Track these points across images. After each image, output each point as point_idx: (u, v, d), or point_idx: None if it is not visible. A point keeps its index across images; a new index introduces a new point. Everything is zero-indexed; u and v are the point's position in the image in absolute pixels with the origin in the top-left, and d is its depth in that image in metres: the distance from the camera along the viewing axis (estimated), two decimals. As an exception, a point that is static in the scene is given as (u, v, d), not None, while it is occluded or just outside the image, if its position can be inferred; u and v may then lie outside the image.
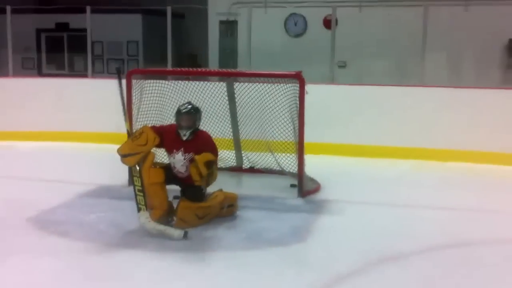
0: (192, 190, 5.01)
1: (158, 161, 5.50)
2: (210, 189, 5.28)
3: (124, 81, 5.71)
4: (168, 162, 5.18)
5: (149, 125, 5.25)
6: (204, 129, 6.79)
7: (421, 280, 4.01)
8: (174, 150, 5.02)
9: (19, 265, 4.14)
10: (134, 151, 4.87)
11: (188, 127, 5.02)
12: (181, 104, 5.29)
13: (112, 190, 5.72)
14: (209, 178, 5.00)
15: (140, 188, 4.82)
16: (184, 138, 5.02)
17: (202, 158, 4.87)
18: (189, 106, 5.13)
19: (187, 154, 4.99)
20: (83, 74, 10.69)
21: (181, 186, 5.11)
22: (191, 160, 4.95)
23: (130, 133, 5.10)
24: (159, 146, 5.08)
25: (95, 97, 8.83)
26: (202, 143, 5.05)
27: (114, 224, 5.03)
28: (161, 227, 4.67)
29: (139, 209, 4.76)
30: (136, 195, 4.82)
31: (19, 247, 4.52)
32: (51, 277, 3.95)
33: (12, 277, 3.94)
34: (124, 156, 4.88)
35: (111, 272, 4.06)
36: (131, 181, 5.02)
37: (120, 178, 5.99)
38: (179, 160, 5.02)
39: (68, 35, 14.44)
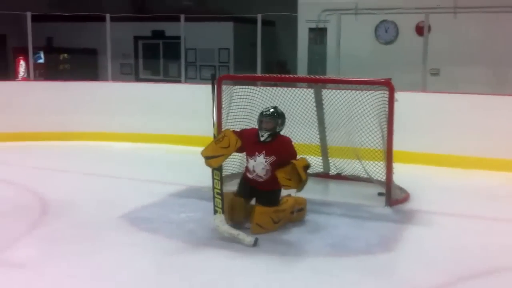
0: (267, 195, 5.07)
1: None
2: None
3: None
4: (242, 170, 5.23)
5: (231, 129, 5.33)
6: (292, 135, 6.89)
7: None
8: (256, 153, 5.07)
9: (109, 261, 4.34)
10: (217, 154, 4.96)
11: (268, 129, 5.07)
12: (266, 107, 5.37)
13: (202, 191, 5.89)
14: (302, 183, 4.99)
15: (219, 191, 4.91)
16: (262, 139, 5.06)
17: (300, 162, 4.94)
18: (272, 110, 5.19)
19: (268, 157, 5.04)
20: (176, 80, 11.08)
21: (255, 193, 5.14)
22: (273, 164, 5.00)
23: (216, 138, 5.21)
24: (240, 149, 5.15)
25: (187, 101, 9.15)
26: (284, 148, 5.09)
27: (202, 224, 5.17)
28: (234, 232, 4.73)
29: (215, 211, 4.86)
30: (214, 197, 4.91)
31: (111, 243, 4.75)
32: (140, 273, 4.13)
33: (103, 272, 4.13)
34: (207, 158, 4.99)
35: (196, 270, 4.17)
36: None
37: (209, 180, 6.13)
38: (260, 163, 5.05)
39: (164, 43, 15.00)
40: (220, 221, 4.78)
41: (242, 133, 5.27)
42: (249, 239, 4.66)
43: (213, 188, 4.94)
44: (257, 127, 5.18)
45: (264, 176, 5.07)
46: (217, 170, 4.98)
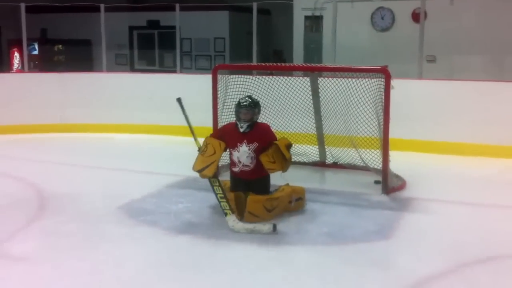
0: (257, 183, 5.11)
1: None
2: (278, 182, 5.33)
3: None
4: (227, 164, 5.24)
5: (209, 135, 5.35)
6: (288, 124, 6.90)
7: (509, 286, 3.83)
8: (238, 144, 5.11)
9: (110, 252, 4.34)
10: (207, 163, 5.04)
11: (246, 120, 5.11)
12: (242, 97, 5.39)
13: (199, 182, 5.87)
14: (287, 163, 5.06)
15: (222, 195, 4.97)
16: (242, 130, 5.11)
17: (282, 142, 5.07)
18: (249, 100, 5.22)
19: (250, 144, 5.07)
20: (172, 70, 11.05)
21: (247, 185, 5.14)
22: (257, 151, 5.04)
23: (200, 149, 5.22)
24: (226, 149, 5.21)
25: (183, 91, 9.09)
26: (263, 133, 5.15)
27: (200, 215, 5.19)
28: (250, 226, 4.76)
29: (225, 214, 4.88)
30: (219, 202, 4.96)
31: (111, 235, 4.76)
32: (141, 264, 4.13)
33: (103, 263, 4.14)
34: (200, 171, 5.06)
35: (195, 262, 4.18)
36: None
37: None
38: (244, 152, 5.09)
39: (159, 32, 14.95)
40: (233, 221, 4.80)
41: (221, 133, 5.35)
42: (266, 227, 4.69)
43: (216, 194, 5.01)
44: (233, 121, 5.23)
45: (250, 164, 5.10)
46: (213, 177, 5.04)
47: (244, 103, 5.16)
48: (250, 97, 5.36)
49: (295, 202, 5.26)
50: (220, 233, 4.71)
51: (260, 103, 5.35)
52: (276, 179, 5.32)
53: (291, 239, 4.64)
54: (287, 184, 5.37)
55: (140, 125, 9.36)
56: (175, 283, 3.85)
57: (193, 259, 4.23)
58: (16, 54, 14.27)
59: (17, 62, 14.31)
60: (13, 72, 13.69)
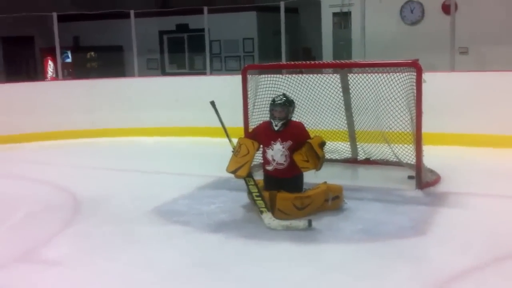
0: (290, 181, 5.09)
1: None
2: (316, 181, 5.30)
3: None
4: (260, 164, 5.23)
5: (243, 136, 5.42)
6: (319, 121, 6.87)
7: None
8: (272, 142, 5.10)
9: (143, 253, 4.39)
10: (240, 164, 5.06)
11: (281, 118, 5.10)
12: (276, 95, 5.38)
13: (231, 182, 5.91)
14: (320, 161, 5.04)
15: (257, 194, 4.97)
16: (276, 129, 5.10)
17: (315, 140, 5.05)
18: (284, 98, 5.21)
19: (284, 142, 5.07)
20: (202, 72, 11.12)
21: (280, 183, 5.12)
22: (290, 149, 5.02)
23: (234, 150, 5.24)
24: (259, 148, 5.22)
25: (213, 93, 9.14)
26: (297, 132, 5.14)
27: (233, 214, 5.21)
28: (286, 222, 4.76)
29: (261, 212, 4.89)
30: (255, 201, 4.97)
31: (143, 236, 4.81)
32: (173, 265, 4.17)
33: (137, 267, 4.17)
34: (234, 172, 5.08)
35: (228, 260, 4.19)
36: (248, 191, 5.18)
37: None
38: (278, 150, 5.08)
39: (188, 36, 15.08)
40: (269, 218, 4.82)
41: (255, 132, 5.38)
42: (302, 223, 4.70)
43: (251, 193, 5.03)
44: (268, 117, 5.22)
45: (284, 162, 5.09)
46: (248, 177, 5.06)
47: (279, 101, 5.15)
48: (284, 95, 5.35)
49: (331, 201, 5.19)
50: (253, 231, 4.72)
51: None
52: (313, 177, 5.30)
53: (324, 236, 4.62)
54: (325, 182, 5.33)
55: (168, 127, 9.44)
56: (207, 282, 3.86)
57: (225, 257, 4.25)
58: (50, 63, 14.59)
59: (51, 70, 14.63)
60: (48, 80, 13.99)
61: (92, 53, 15.65)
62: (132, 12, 9.96)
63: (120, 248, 4.54)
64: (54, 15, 9.87)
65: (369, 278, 3.84)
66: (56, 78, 12.97)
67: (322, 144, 5.10)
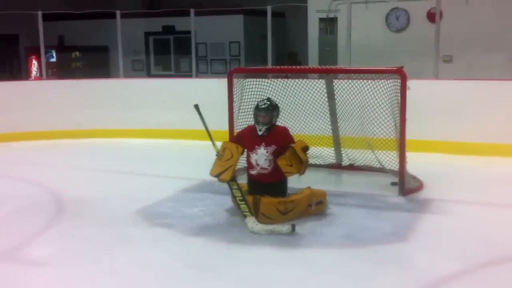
0: (274, 186, 5.10)
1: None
2: (300, 185, 5.32)
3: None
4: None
5: (227, 140, 5.43)
6: (304, 126, 6.89)
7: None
8: (256, 146, 5.11)
9: (127, 255, 4.38)
10: (224, 168, 5.05)
11: (265, 123, 5.10)
12: (260, 100, 5.39)
13: (215, 185, 5.90)
14: (303, 165, 5.06)
15: (241, 198, 4.97)
16: (260, 133, 5.11)
17: (298, 144, 5.06)
18: (268, 103, 5.21)
19: (268, 147, 5.08)
20: (188, 75, 11.09)
21: (264, 188, 5.12)
22: (274, 154, 5.03)
23: (218, 154, 5.24)
24: (243, 152, 5.23)
25: (199, 96, 9.12)
26: (281, 136, 5.15)
27: (217, 218, 5.20)
28: (269, 227, 4.77)
29: (245, 216, 4.89)
30: (238, 205, 4.97)
31: (128, 238, 4.79)
32: (157, 267, 4.16)
33: (122, 268, 4.16)
34: (217, 176, 5.07)
35: (211, 263, 4.19)
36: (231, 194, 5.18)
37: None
38: (262, 154, 5.09)
39: (174, 38, 15.03)
40: (252, 223, 4.82)
41: (239, 136, 5.39)
42: (285, 228, 4.71)
43: (235, 197, 5.03)
44: (251, 124, 5.24)
45: (268, 167, 5.10)
46: (232, 181, 5.05)
47: (263, 106, 5.16)
48: (269, 99, 5.36)
49: (315, 206, 5.20)
50: (236, 236, 4.72)
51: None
52: (297, 182, 5.31)
53: (307, 241, 4.64)
54: (309, 188, 5.34)
55: (155, 130, 9.41)
56: (189, 284, 3.86)
57: (209, 261, 4.24)
58: (34, 62, 14.44)
59: (35, 70, 14.48)
60: (32, 80, 13.86)
61: (77, 53, 15.53)
62: (118, 12, 9.90)
63: (105, 249, 4.52)
64: (39, 13, 9.79)
65: (352, 282, 3.86)
66: (40, 77, 12.84)
67: (305, 149, 5.12)
